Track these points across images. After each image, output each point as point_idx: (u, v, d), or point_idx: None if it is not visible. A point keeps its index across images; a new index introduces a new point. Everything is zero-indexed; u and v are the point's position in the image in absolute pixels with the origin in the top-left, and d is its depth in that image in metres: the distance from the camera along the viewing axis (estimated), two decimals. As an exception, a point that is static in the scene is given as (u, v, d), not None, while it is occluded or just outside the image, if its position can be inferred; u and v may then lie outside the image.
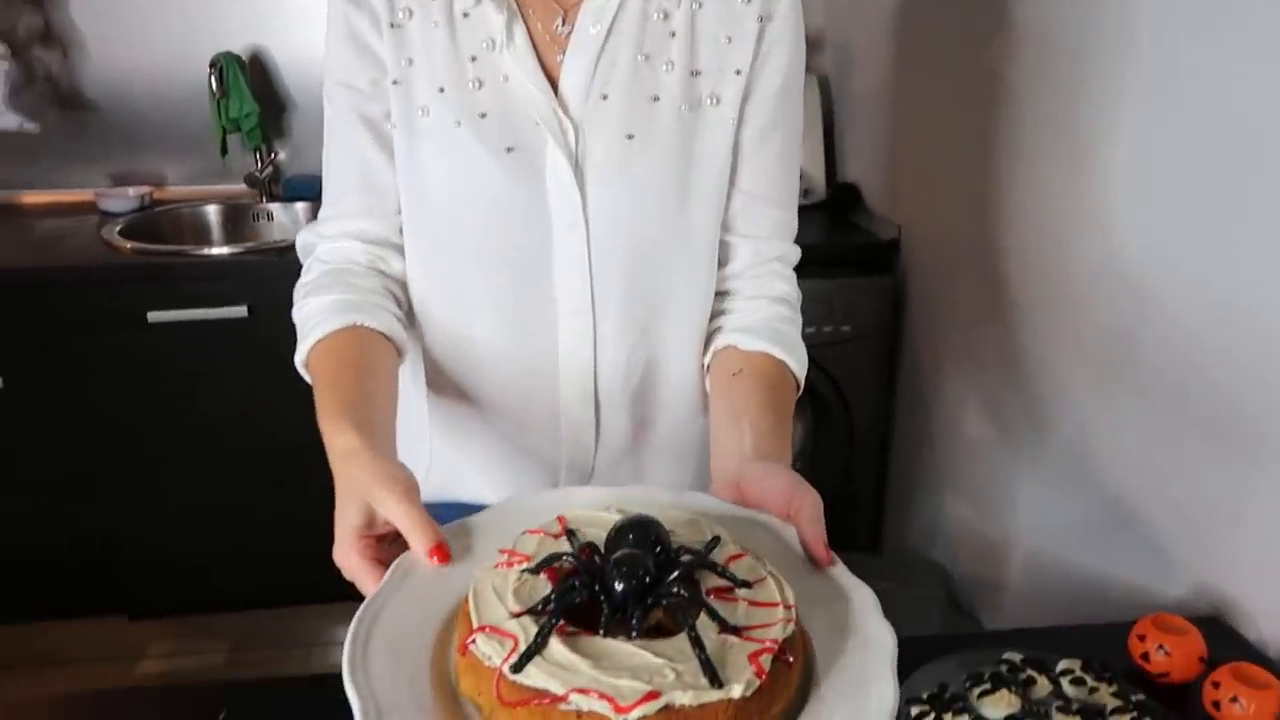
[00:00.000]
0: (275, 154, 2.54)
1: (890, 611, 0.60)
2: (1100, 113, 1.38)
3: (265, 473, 2.20)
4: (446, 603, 0.61)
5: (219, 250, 2.18)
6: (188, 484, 2.22)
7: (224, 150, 2.46)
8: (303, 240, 0.97)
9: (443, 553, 0.64)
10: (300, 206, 2.50)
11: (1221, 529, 1.17)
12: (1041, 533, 1.60)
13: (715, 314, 0.98)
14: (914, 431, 2.12)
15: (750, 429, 0.83)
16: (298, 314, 0.90)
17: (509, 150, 0.87)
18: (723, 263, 0.97)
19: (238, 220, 2.50)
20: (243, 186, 2.52)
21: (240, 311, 2.05)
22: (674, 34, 0.89)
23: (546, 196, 0.88)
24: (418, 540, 0.65)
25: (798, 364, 0.93)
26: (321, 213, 0.95)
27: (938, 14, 1.94)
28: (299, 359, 0.87)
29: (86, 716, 0.94)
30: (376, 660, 0.56)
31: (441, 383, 0.99)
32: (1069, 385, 1.50)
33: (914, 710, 0.91)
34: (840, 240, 2.20)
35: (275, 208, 2.50)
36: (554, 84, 0.88)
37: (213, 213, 2.50)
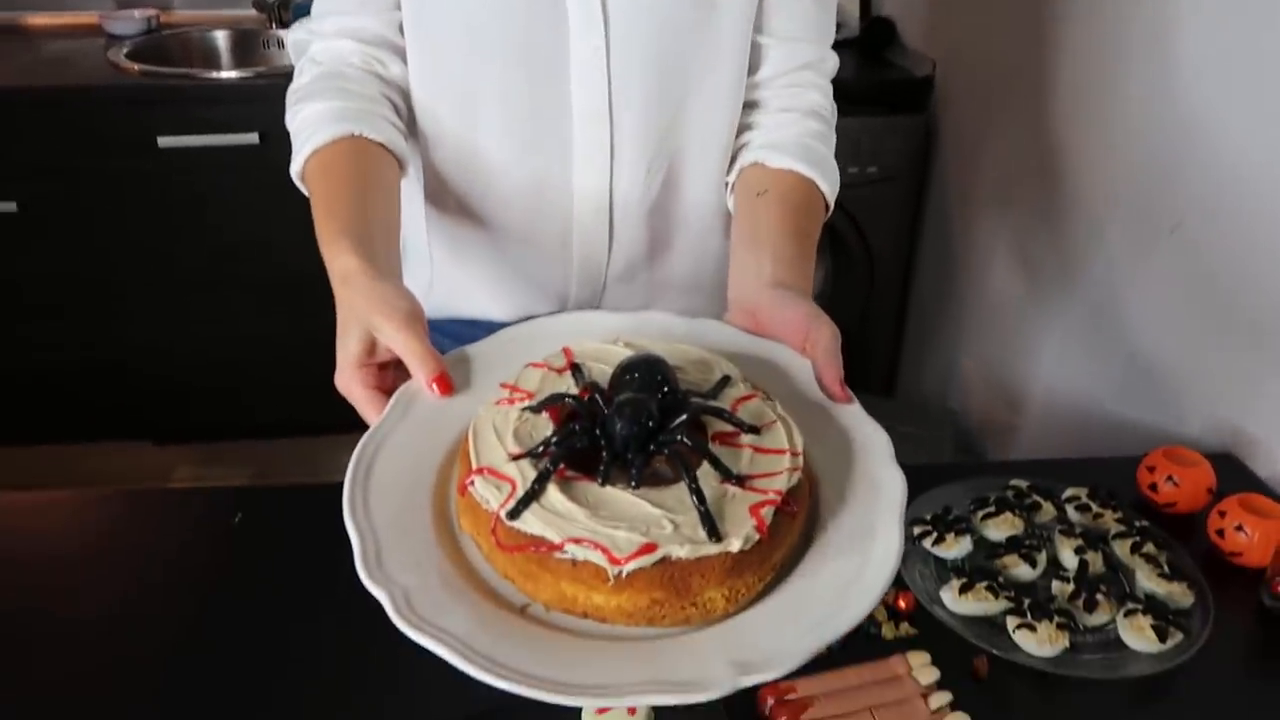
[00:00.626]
0: (284, -24, 2.44)
1: (899, 451, 0.58)
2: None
3: (281, 300, 2.21)
4: (449, 435, 0.60)
5: (229, 74, 2.11)
6: (204, 311, 2.23)
7: (231, -31, 2.37)
8: (294, 38, 0.91)
9: (445, 384, 0.63)
10: (311, 32, 2.41)
11: (1243, 370, 1.15)
12: (1060, 380, 1.59)
13: (742, 128, 0.93)
14: (936, 276, 2.08)
15: (771, 254, 0.79)
16: (291, 121, 0.85)
17: None
18: (752, 69, 0.91)
19: (247, 46, 2.42)
20: (251, 12, 2.43)
21: (252, 139, 2.02)
22: None
23: None
24: (419, 371, 0.63)
25: (828, 183, 0.88)
26: (315, 8, 0.89)
27: None
28: (294, 170, 0.83)
29: (110, 514, 0.97)
30: (376, 497, 0.54)
31: (444, 196, 0.96)
32: (1103, 232, 1.45)
33: (916, 530, 0.92)
34: (871, 77, 2.11)
35: (285, 34, 2.41)
36: None
37: (221, 38, 2.42)
